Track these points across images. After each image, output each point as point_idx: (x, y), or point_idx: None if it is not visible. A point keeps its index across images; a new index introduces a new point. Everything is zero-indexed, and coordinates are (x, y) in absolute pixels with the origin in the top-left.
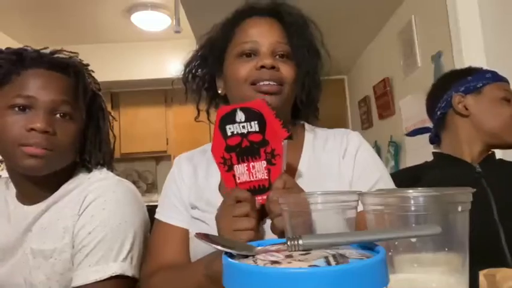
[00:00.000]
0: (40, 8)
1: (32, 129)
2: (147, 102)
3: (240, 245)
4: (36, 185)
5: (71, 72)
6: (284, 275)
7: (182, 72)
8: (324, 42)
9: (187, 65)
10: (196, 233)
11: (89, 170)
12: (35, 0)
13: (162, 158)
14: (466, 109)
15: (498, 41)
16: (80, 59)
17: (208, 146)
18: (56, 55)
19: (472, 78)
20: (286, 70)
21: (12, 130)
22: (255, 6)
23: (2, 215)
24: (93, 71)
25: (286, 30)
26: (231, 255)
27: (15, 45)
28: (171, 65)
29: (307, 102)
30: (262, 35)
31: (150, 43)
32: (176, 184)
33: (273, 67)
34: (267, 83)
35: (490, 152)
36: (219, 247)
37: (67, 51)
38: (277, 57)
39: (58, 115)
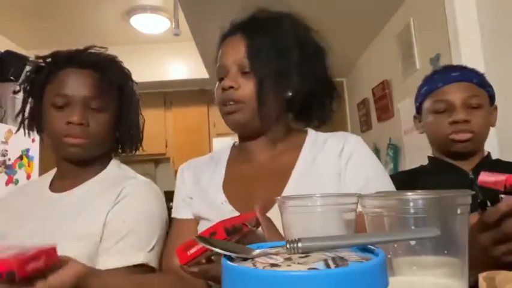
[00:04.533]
0: (40, 12)
1: (70, 122)
2: (146, 104)
3: (239, 247)
4: (77, 170)
5: (99, 68)
6: (283, 278)
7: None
8: (313, 32)
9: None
10: (196, 236)
11: (123, 152)
12: (35, 4)
13: (161, 160)
14: (422, 127)
15: (496, 44)
16: (109, 54)
17: (214, 154)
18: (87, 51)
19: (415, 96)
20: (247, 87)
21: (56, 124)
22: (230, 26)
23: (32, 203)
24: (121, 61)
25: (251, 43)
26: (230, 258)
27: (16, 48)
28: (170, 68)
29: (298, 107)
30: (227, 56)
31: (149, 46)
32: (179, 188)
33: (231, 87)
34: (226, 108)
35: (485, 154)
36: (218, 250)
37: (98, 47)
38: (244, 72)
39: (91, 108)
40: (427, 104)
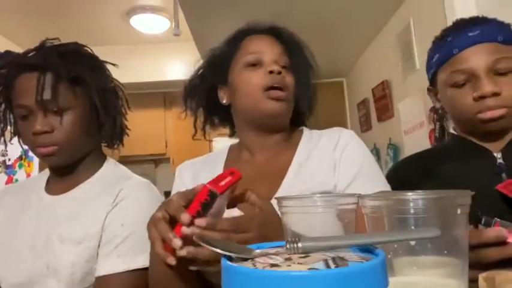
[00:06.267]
0: (40, 12)
1: (34, 133)
2: (146, 105)
3: (239, 248)
4: (68, 174)
5: (47, 67)
6: (283, 278)
7: (183, 92)
8: (316, 59)
9: (187, 84)
10: (196, 236)
11: (108, 147)
12: (35, 4)
13: (161, 160)
14: (438, 101)
15: None
16: (62, 44)
17: (210, 155)
18: (34, 51)
19: (426, 65)
20: (289, 78)
21: (25, 137)
22: (255, 27)
23: (28, 206)
24: (81, 48)
25: (284, 46)
26: (230, 258)
27: (16, 48)
28: (170, 68)
29: (304, 110)
30: (265, 48)
31: (149, 46)
32: (179, 187)
33: (279, 73)
34: (275, 93)
35: None
36: (218, 250)
37: (50, 39)
38: (282, 66)
39: (51, 113)
40: (442, 76)
